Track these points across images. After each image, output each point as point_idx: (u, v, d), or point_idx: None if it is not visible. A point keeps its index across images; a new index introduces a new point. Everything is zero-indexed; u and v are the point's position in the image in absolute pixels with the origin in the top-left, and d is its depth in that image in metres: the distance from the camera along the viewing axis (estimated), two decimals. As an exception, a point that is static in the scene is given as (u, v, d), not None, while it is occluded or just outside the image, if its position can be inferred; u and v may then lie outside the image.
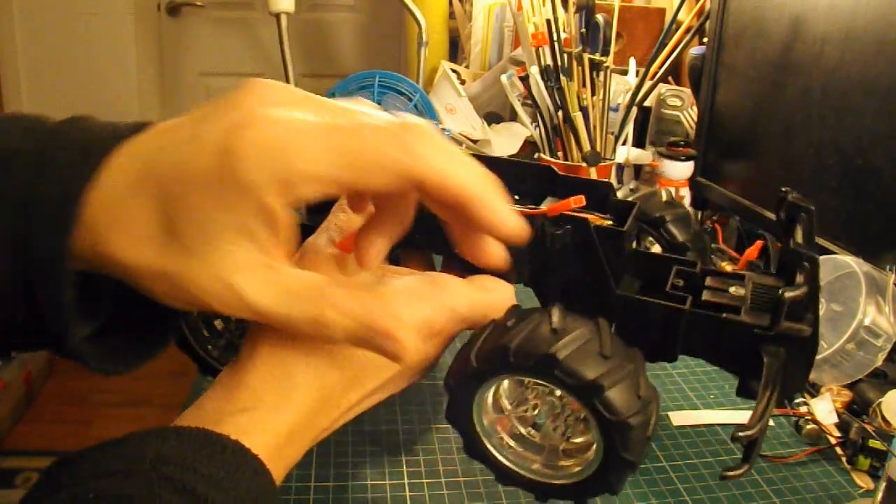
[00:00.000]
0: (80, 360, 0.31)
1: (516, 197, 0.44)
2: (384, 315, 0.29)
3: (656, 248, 0.52)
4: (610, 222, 0.42)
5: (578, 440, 0.42)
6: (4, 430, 1.94)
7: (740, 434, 0.34)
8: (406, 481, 0.55)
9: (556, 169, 0.45)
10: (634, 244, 0.46)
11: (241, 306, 0.28)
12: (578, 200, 0.38)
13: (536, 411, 0.43)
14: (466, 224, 0.31)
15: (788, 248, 0.38)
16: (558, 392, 0.39)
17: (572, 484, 0.41)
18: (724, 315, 0.38)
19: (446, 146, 0.29)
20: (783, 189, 0.45)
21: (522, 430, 0.44)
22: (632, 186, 0.52)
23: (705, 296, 0.40)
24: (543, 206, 0.42)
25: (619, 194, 0.51)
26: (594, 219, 0.41)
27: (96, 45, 2.42)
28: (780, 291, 0.36)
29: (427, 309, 0.34)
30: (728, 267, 0.84)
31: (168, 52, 2.54)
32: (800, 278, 0.37)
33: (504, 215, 0.30)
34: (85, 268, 0.29)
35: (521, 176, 0.44)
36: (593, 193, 0.44)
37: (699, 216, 0.48)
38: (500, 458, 0.42)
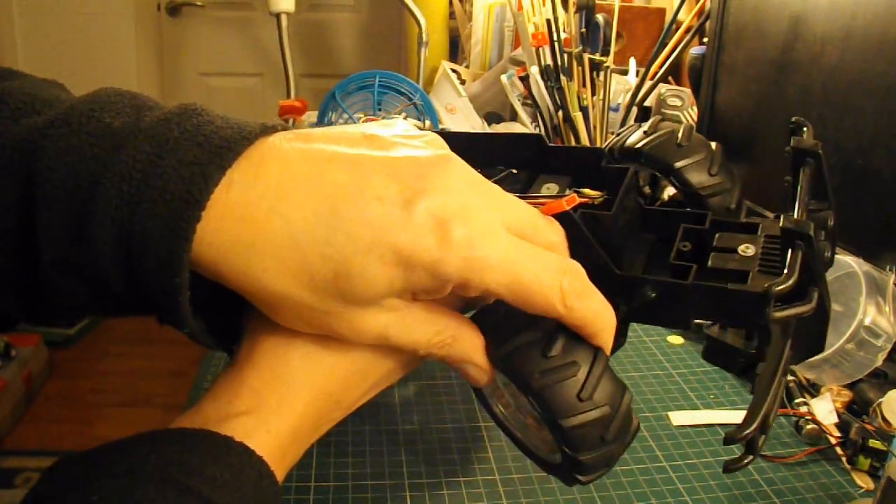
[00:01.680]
0: (191, 338, 0.31)
1: (514, 171, 0.43)
2: (480, 350, 0.34)
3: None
4: (601, 197, 0.40)
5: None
6: (4, 430, 1.94)
7: (736, 437, 0.33)
8: (406, 481, 0.55)
9: (544, 138, 0.44)
10: (648, 190, 0.45)
11: (379, 343, 0.31)
12: (571, 200, 0.36)
13: None
14: None
15: (781, 225, 0.36)
16: None
17: (541, 458, 0.42)
18: (729, 286, 0.36)
19: (592, 292, 0.33)
20: (793, 119, 0.42)
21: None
22: (645, 128, 0.48)
23: (712, 261, 0.38)
24: (539, 193, 0.42)
25: (632, 138, 0.47)
26: (584, 197, 0.40)
27: (96, 45, 2.42)
28: (765, 286, 0.34)
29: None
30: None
31: (168, 52, 2.54)
32: (791, 259, 0.35)
33: (610, 340, 0.35)
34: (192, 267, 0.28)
35: (511, 148, 0.43)
36: (584, 162, 0.43)
37: (721, 157, 0.42)
38: (497, 410, 0.42)
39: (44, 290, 0.29)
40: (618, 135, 0.49)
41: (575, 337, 0.35)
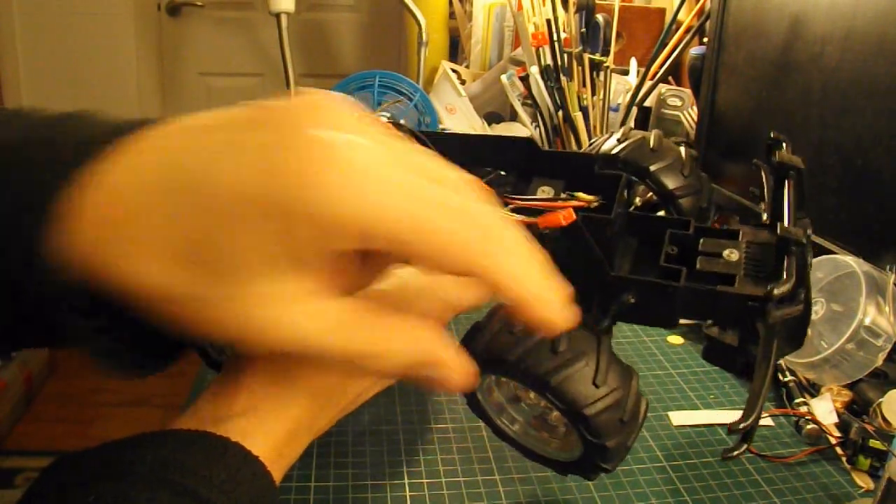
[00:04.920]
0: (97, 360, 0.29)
1: (502, 173, 0.44)
2: (444, 346, 0.28)
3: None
4: (596, 202, 0.42)
5: (559, 426, 0.45)
6: (4, 430, 1.94)
7: (738, 427, 0.36)
8: (406, 481, 0.55)
9: (535, 142, 0.45)
10: (626, 194, 0.47)
11: (264, 339, 0.25)
12: (568, 216, 0.37)
13: None
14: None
15: (777, 235, 0.38)
16: None
17: (549, 458, 0.45)
18: (719, 288, 0.39)
19: (524, 246, 0.26)
20: (773, 134, 0.44)
21: (522, 401, 0.47)
22: (619, 136, 0.50)
23: (700, 264, 0.40)
24: (536, 196, 0.42)
25: (606, 145, 0.49)
26: (580, 201, 0.41)
27: (96, 45, 2.42)
28: (768, 288, 0.37)
29: (431, 308, 0.34)
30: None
31: (168, 52, 2.54)
32: (787, 264, 0.38)
33: (552, 315, 0.27)
34: (85, 282, 0.25)
35: (503, 150, 0.44)
36: (576, 168, 0.44)
37: (691, 160, 0.45)
38: (498, 422, 0.46)
39: None
40: (591, 144, 0.51)
41: (577, 330, 0.38)
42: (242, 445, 0.28)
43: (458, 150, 0.42)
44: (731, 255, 0.40)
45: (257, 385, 0.31)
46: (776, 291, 0.36)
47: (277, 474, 0.30)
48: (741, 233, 0.42)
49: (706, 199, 0.48)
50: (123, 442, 0.28)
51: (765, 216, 0.44)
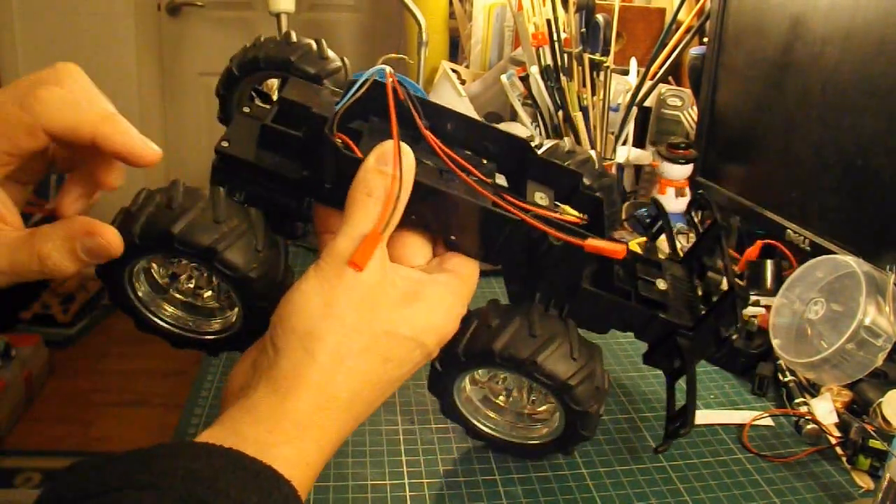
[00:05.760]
0: None
1: (485, 161, 0.45)
2: (91, 223, 0.35)
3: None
4: (585, 220, 0.45)
5: (540, 409, 0.53)
6: (4, 430, 1.94)
7: (682, 432, 0.46)
8: (406, 481, 0.55)
9: (530, 146, 0.46)
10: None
11: None
12: (624, 251, 0.41)
13: (506, 382, 0.53)
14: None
15: (732, 290, 0.47)
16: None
17: (534, 445, 0.53)
18: (662, 315, 0.47)
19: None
20: (700, 192, 0.55)
21: (492, 397, 0.54)
22: (535, 144, 0.54)
23: (641, 290, 0.48)
24: (534, 200, 0.45)
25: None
26: (570, 216, 0.44)
27: (96, 45, 2.42)
28: (733, 336, 0.46)
29: (451, 325, 0.39)
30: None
31: (168, 52, 2.54)
32: (735, 312, 0.46)
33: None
34: None
35: (498, 143, 0.46)
36: (563, 182, 0.47)
37: (599, 160, 0.55)
38: (473, 421, 0.54)
39: None
40: None
41: (545, 317, 0.45)
42: (273, 468, 0.28)
43: (454, 127, 0.43)
44: (661, 284, 0.49)
45: (305, 417, 0.31)
46: (734, 336, 0.46)
47: (306, 493, 0.31)
48: (663, 266, 0.50)
49: (616, 193, 0.57)
50: (152, 451, 0.28)
51: (660, 243, 0.56)
